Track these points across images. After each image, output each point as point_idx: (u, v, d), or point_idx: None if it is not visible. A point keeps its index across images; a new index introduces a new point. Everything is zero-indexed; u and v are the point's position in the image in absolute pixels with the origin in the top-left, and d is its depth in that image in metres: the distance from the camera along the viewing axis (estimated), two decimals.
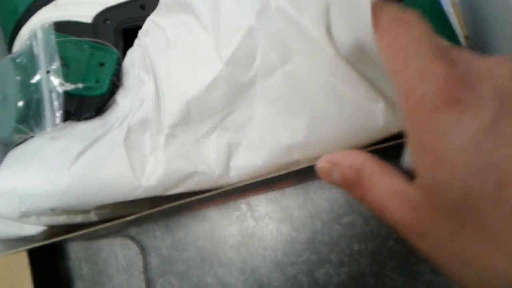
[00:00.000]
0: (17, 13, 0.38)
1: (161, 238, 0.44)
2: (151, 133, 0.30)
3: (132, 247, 0.44)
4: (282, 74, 0.27)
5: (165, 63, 0.31)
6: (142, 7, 0.36)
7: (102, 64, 0.34)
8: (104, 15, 0.35)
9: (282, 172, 0.29)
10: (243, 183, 0.30)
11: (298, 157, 0.28)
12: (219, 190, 0.29)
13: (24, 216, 0.32)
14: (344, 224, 0.41)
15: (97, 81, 0.34)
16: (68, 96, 0.33)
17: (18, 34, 0.38)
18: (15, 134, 0.34)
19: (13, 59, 0.36)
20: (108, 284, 0.45)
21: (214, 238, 0.43)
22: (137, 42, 0.34)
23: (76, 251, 0.46)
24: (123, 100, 0.32)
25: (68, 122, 0.33)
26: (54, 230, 0.34)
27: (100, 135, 0.30)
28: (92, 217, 0.33)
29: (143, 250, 0.44)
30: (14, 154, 0.33)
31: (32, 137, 0.33)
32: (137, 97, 0.31)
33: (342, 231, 0.40)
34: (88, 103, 0.33)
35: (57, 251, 0.46)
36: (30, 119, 0.33)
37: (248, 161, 0.28)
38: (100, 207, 0.32)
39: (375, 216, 0.38)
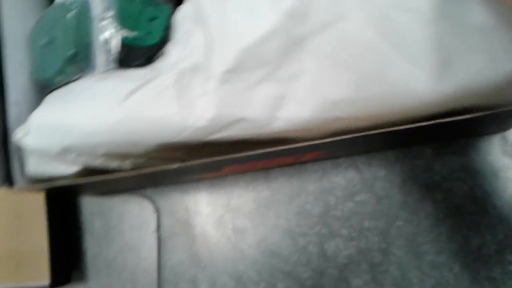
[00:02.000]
0: None
1: (176, 201, 0.45)
2: (200, 78, 0.31)
3: (147, 206, 0.46)
4: (335, 31, 0.29)
5: (219, 13, 0.32)
6: None
7: (153, 19, 0.35)
8: None
9: (315, 142, 0.31)
10: (279, 149, 0.31)
11: (342, 114, 0.30)
12: (249, 153, 0.31)
13: (64, 152, 0.33)
14: (357, 202, 0.43)
15: (148, 33, 0.35)
16: (119, 44, 0.34)
17: None
18: (59, 76, 0.35)
19: (65, 5, 0.37)
20: (118, 240, 0.46)
21: (230, 205, 0.45)
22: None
23: (90, 207, 0.47)
24: (172, 51, 0.33)
25: (117, 69, 0.34)
26: (84, 174, 0.35)
27: (150, 78, 0.32)
28: (127, 165, 0.35)
29: (158, 211, 0.45)
30: (58, 93, 0.34)
31: (77, 79, 0.35)
32: (187, 47, 0.33)
33: (354, 208, 0.43)
34: (138, 52, 0.34)
35: (70, 204, 0.47)
36: (78, 62, 0.34)
37: (295, 113, 0.30)
38: (137, 156, 0.33)
39: (386, 196, 0.41)
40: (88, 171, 0.35)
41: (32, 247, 0.42)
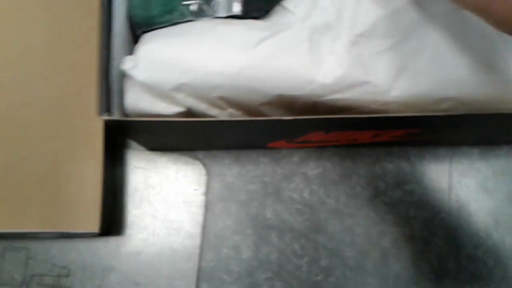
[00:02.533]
0: None
1: (228, 166, 0.46)
2: (330, 37, 0.32)
3: (198, 168, 0.46)
4: (461, 18, 0.32)
5: None
6: None
7: None
8: None
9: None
10: (379, 116, 0.33)
11: (454, 94, 0.32)
12: (353, 116, 0.33)
13: (176, 90, 0.33)
14: (405, 190, 0.45)
15: None
16: None
17: None
18: (168, 15, 0.35)
19: None
20: (164, 199, 0.45)
21: (282, 178, 0.45)
22: None
23: (137, 161, 0.46)
24: (296, 8, 0.34)
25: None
26: (181, 116, 0.35)
27: (280, 29, 0.33)
28: (224, 115, 0.35)
29: (208, 173, 0.46)
30: (170, 31, 0.34)
31: (189, 21, 0.35)
32: (316, 6, 0.33)
33: (402, 196, 0.45)
34: (259, 4, 0.35)
35: (117, 157, 0.46)
36: (197, 4, 0.34)
37: (412, 85, 0.32)
38: (248, 105, 0.34)
39: (434, 189, 0.43)
40: (183, 115, 0.35)
41: (81, 188, 0.41)
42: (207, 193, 0.45)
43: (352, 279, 0.43)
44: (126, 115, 0.34)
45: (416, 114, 0.32)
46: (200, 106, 0.34)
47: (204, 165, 0.46)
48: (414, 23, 0.32)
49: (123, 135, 0.45)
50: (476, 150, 0.45)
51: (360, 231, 0.44)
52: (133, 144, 0.46)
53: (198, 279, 0.43)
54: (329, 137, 0.39)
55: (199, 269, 0.44)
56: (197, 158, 0.46)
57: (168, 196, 0.45)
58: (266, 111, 0.35)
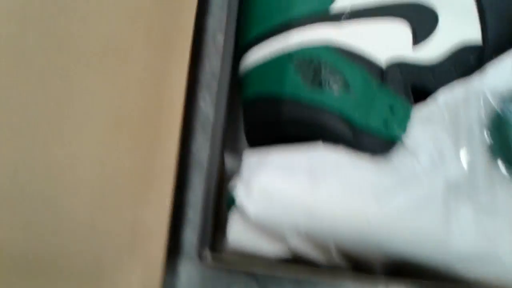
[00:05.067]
0: (291, 13, 0.35)
1: None
2: (459, 198, 0.28)
3: None
4: None
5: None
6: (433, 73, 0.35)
7: (391, 108, 0.32)
8: (400, 67, 0.34)
9: None
10: None
11: None
12: None
13: (292, 231, 0.27)
14: None
15: (386, 123, 0.32)
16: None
17: (280, 37, 0.35)
18: None
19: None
20: None
21: None
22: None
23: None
24: (421, 154, 0.30)
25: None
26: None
27: (410, 178, 0.28)
28: (332, 259, 0.30)
29: None
30: (289, 160, 0.29)
31: None
32: (440, 155, 0.30)
33: None
34: (372, 140, 0.31)
35: None
36: None
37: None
38: (350, 256, 0.29)
39: None
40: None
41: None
42: None
43: None
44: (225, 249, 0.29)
45: None
46: (311, 252, 0.29)
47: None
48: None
49: None
50: None
51: None
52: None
53: None
54: None
55: None
56: (255, 280, 0.40)
57: None
58: (374, 266, 0.30)
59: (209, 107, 0.42)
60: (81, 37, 0.36)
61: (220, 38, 0.43)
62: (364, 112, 0.32)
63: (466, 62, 0.34)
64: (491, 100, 0.32)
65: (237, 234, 0.28)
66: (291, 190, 0.28)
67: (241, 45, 0.36)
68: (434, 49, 0.34)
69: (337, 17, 0.34)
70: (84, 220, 0.34)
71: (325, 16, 0.35)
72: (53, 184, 0.34)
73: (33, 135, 0.33)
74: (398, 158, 0.30)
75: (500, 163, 0.31)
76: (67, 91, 0.35)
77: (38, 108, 0.34)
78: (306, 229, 0.27)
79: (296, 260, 0.29)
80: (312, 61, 0.33)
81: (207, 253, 0.27)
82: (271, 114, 0.33)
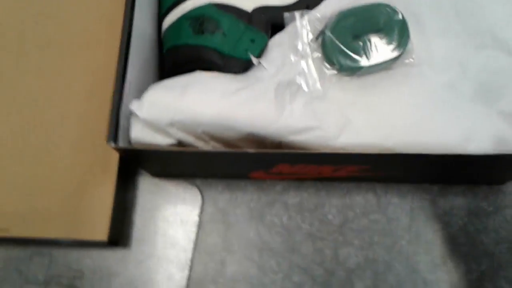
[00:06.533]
0: None
1: (221, 192, 0.54)
2: (293, 91, 0.42)
3: (195, 193, 0.54)
4: (396, 84, 0.41)
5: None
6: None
7: (253, 41, 0.46)
8: (262, 11, 0.48)
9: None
10: (327, 152, 0.41)
11: (393, 146, 0.41)
12: (301, 152, 0.41)
13: (169, 126, 0.42)
14: (371, 219, 0.52)
15: (246, 51, 0.46)
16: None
17: (180, 6, 0.49)
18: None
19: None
20: (164, 218, 0.53)
21: (265, 204, 0.53)
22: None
23: (146, 185, 0.55)
24: (269, 65, 0.44)
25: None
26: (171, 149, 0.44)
27: (254, 81, 0.42)
28: (207, 147, 0.44)
29: (203, 198, 0.54)
30: (172, 80, 0.44)
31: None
32: (284, 65, 0.44)
33: (368, 224, 0.52)
34: (237, 62, 0.45)
35: (130, 181, 0.55)
36: None
37: (356, 136, 0.41)
38: (225, 139, 0.43)
39: (396, 219, 0.50)
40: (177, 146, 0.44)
41: (96, 203, 0.50)
42: (201, 214, 0.53)
43: None
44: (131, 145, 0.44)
45: (351, 152, 0.40)
46: (188, 139, 0.43)
47: (200, 191, 0.54)
48: (361, 87, 0.41)
49: (133, 162, 0.54)
50: (436, 187, 0.52)
51: (329, 253, 0.51)
52: (144, 172, 0.55)
53: (188, 287, 0.51)
54: (297, 169, 0.47)
55: (189, 278, 0.51)
56: (195, 185, 0.54)
57: (169, 215, 0.54)
58: (242, 146, 0.43)
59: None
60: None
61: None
62: (232, 46, 0.46)
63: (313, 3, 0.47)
64: (319, 24, 0.45)
65: (136, 132, 0.43)
66: (168, 98, 0.42)
67: (159, 16, 0.51)
68: None
69: None
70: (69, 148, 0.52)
71: None
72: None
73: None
74: (253, 71, 0.44)
75: (325, 64, 0.44)
76: None
77: None
78: (181, 122, 0.41)
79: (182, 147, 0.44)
80: (199, 17, 0.48)
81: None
82: (175, 57, 0.48)
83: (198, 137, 0.43)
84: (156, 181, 0.55)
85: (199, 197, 0.54)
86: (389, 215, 0.52)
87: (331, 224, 0.52)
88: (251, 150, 0.40)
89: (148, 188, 0.55)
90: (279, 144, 0.43)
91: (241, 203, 0.54)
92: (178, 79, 0.44)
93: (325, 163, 0.45)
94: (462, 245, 0.50)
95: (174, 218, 0.54)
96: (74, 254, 0.52)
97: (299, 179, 0.53)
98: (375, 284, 0.50)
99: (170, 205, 0.54)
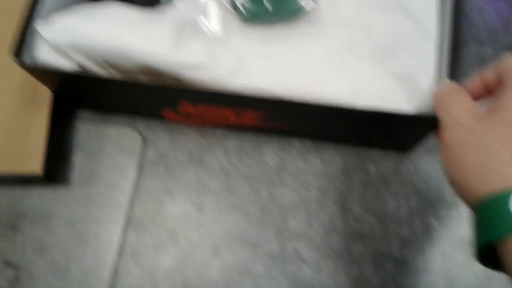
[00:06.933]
0: None
1: (161, 137, 0.55)
2: (193, 30, 0.44)
3: (136, 137, 0.55)
4: (298, 34, 0.45)
5: None
6: None
7: None
8: None
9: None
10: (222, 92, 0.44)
11: (284, 93, 0.44)
12: (199, 90, 0.44)
13: (72, 49, 0.43)
14: (306, 161, 0.53)
15: None
16: None
17: None
18: None
19: None
20: (105, 160, 0.54)
21: (205, 148, 0.54)
22: None
23: (85, 129, 0.56)
24: (178, 3, 0.46)
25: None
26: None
27: (157, 14, 0.45)
28: (108, 71, 0.46)
29: (145, 142, 0.55)
30: (83, 8, 0.45)
31: None
32: (188, 3, 0.46)
33: (304, 166, 0.53)
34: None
35: (69, 124, 0.56)
36: None
37: (249, 79, 0.44)
38: (126, 70, 0.44)
39: (331, 161, 0.51)
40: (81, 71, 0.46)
41: (30, 137, 0.50)
42: (142, 158, 0.54)
43: (254, 229, 0.51)
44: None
45: (241, 94, 0.43)
46: (89, 64, 0.45)
47: (142, 135, 0.55)
48: (263, 37, 0.45)
49: (66, 99, 0.55)
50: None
51: (265, 193, 0.52)
52: (85, 116, 0.56)
53: (126, 226, 0.52)
54: (201, 111, 0.49)
55: (128, 218, 0.52)
56: (137, 130, 0.56)
57: (109, 158, 0.55)
58: (143, 80, 0.45)
59: None
60: None
61: None
62: None
63: None
64: None
65: (41, 53, 0.44)
66: (72, 22, 0.43)
67: None
68: None
69: None
70: None
71: None
72: None
73: None
74: (160, 6, 0.47)
75: (230, 9, 0.47)
76: None
77: None
78: (82, 47, 0.43)
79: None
80: None
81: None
82: None
83: (98, 64, 0.45)
84: (97, 126, 0.56)
85: (139, 141, 0.55)
86: (324, 157, 0.53)
87: (268, 166, 0.53)
88: (143, 82, 0.42)
89: (89, 133, 0.56)
90: (178, 82, 0.45)
91: (181, 146, 0.55)
92: (87, 5, 0.46)
93: (220, 103, 0.46)
94: (393, 184, 0.52)
95: (114, 161, 0.55)
96: (14, 194, 0.53)
97: (238, 127, 0.54)
98: (309, 221, 0.51)
99: (111, 148, 0.55)
